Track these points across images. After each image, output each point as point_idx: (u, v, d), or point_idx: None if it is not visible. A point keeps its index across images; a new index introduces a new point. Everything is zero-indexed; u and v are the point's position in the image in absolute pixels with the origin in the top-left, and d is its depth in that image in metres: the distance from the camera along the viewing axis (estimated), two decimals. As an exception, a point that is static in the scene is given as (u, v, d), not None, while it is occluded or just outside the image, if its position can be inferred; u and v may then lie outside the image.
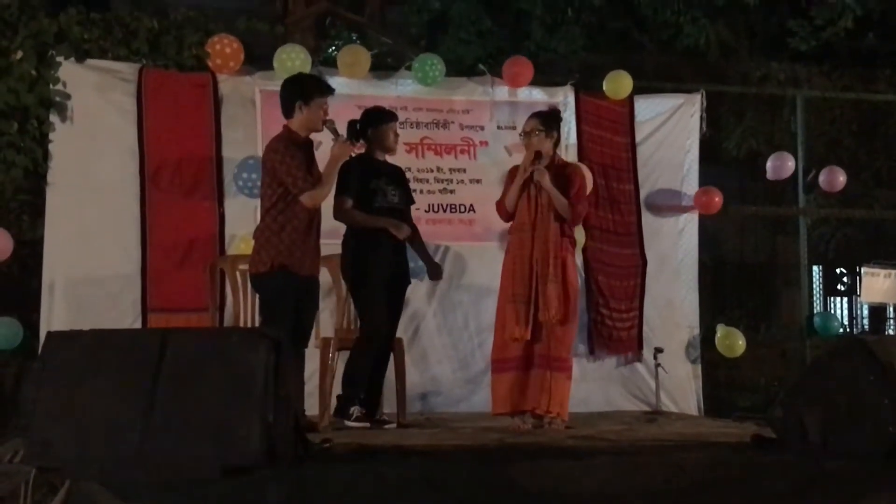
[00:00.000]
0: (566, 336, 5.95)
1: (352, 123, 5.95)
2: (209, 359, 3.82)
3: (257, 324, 6.09)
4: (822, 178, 8.38)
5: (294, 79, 5.90)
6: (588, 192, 7.29)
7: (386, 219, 5.99)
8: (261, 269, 5.54)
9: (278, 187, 5.50)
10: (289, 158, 5.48)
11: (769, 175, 8.30)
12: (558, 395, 5.90)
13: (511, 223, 6.11)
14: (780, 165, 8.24)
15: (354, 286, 6.04)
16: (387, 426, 5.93)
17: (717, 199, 7.88)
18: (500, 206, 6.16)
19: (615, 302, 7.65)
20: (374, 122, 6.07)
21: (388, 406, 6.48)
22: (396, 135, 6.23)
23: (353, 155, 5.99)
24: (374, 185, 6.00)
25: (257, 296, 6.03)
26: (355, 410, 5.87)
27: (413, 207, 6.42)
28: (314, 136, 5.78)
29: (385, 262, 5.98)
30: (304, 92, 5.62)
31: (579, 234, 7.21)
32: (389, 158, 6.26)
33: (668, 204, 7.93)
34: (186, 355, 3.83)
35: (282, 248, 5.49)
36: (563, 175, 6.03)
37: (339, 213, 5.95)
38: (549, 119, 6.13)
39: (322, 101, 5.64)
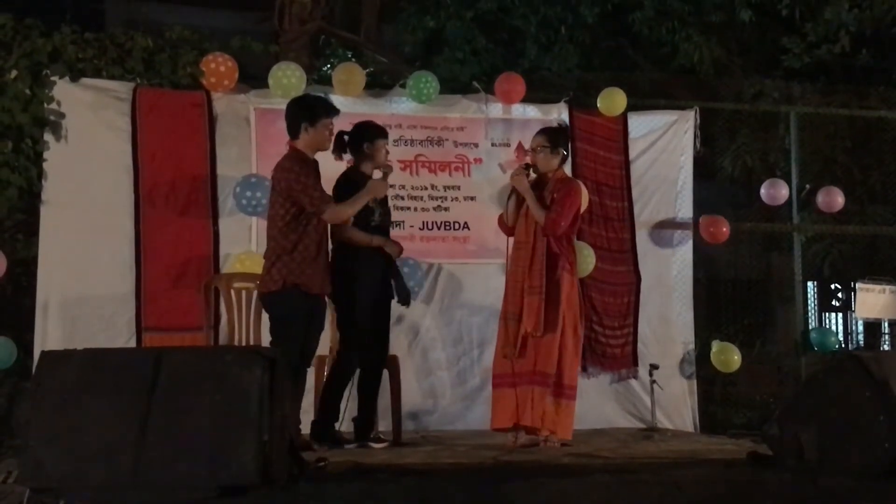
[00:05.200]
0: (547, 349, 5.88)
1: (339, 135, 5.95)
2: (204, 378, 3.82)
3: (252, 342, 6.09)
4: (819, 199, 8.42)
5: (300, 100, 5.93)
6: (583, 210, 7.34)
7: (383, 238, 5.99)
8: (272, 287, 5.54)
9: (291, 207, 5.51)
10: (304, 178, 5.50)
11: (765, 200, 8.35)
12: (539, 411, 5.87)
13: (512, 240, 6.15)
14: (775, 193, 8.29)
15: (340, 306, 5.96)
16: (380, 444, 5.91)
17: (725, 230, 7.90)
18: (500, 220, 6.24)
19: (609, 319, 7.64)
20: (370, 137, 6.04)
21: (384, 424, 6.47)
22: (387, 151, 6.23)
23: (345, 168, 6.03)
24: (371, 203, 5.99)
25: (256, 315, 6.06)
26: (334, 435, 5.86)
27: (407, 225, 6.43)
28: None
29: (374, 282, 5.94)
30: (310, 113, 5.66)
31: (588, 258, 7.23)
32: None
33: (662, 221, 7.94)
34: (181, 375, 3.83)
35: (293, 266, 5.50)
36: (557, 189, 6.05)
37: (338, 231, 5.92)
38: (555, 136, 6.16)
39: (328, 122, 5.69)
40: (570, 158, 7.61)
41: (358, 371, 5.99)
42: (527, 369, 5.92)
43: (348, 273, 5.86)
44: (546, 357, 5.89)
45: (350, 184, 5.85)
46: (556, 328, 5.90)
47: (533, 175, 6.16)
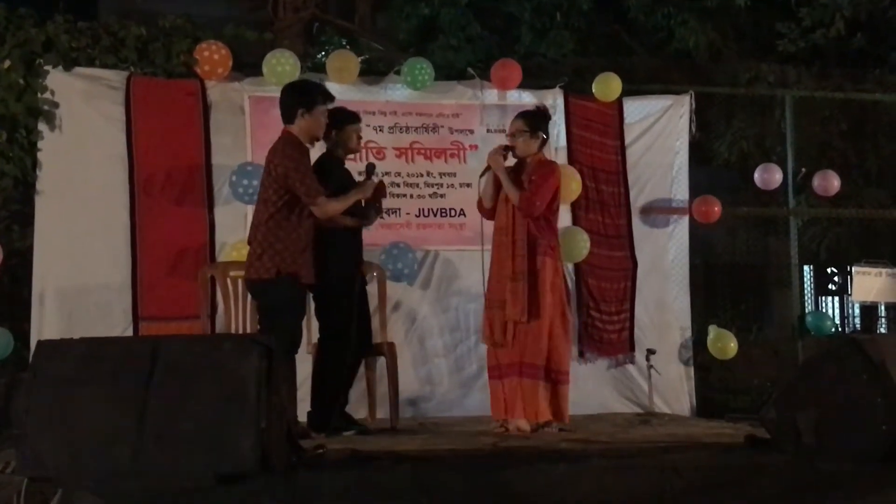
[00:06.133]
0: (535, 339, 5.84)
1: None
2: (201, 366, 3.81)
3: (249, 331, 6.07)
4: (815, 183, 8.42)
5: (297, 85, 5.88)
6: (575, 197, 7.35)
7: (356, 191, 5.90)
8: (264, 275, 5.47)
9: (285, 193, 5.46)
10: (303, 167, 5.46)
11: (759, 185, 8.35)
12: (532, 402, 5.84)
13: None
14: (769, 178, 8.29)
15: (320, 294, 5.91)
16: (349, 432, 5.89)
17: (717, 209, 7.90)
18: (479, 203, 6.22)
19: (605, 304, 7.65)
20: (339, 124, 5.98)
21: (382, 411, 6.48)
22: (359, 137, 6.19)
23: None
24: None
25: (251, 302, 6.00)
26: (343, 420, 5.86)
27: (403, 212, 6.40)
28: None
29: (350, 269, 5.93)
30: (307, 99, 5.61)
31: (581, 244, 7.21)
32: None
33: (658, 206, 7.94)
34: (178, 363, 3.82)
35: (286, 254, 5.45)
36: (535, 171, 6.00)
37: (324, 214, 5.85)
38: (534, 120, 6.09)
39: (324, 110, 5.65)
40: (565, 144, 7.66)
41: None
42: (514, 360, 5.88)
43: (324, 261, 5.77)
44: (534, 347, 5.85)
45: (325, 170, 5.80)
46: (541, 314, 5.85)
47: (513, 160, 6.11)
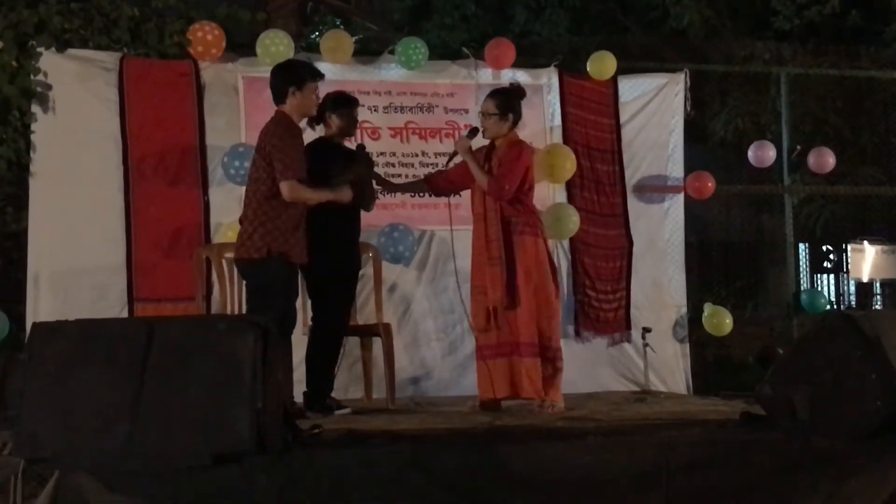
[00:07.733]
0: (525, 318, 5.82)
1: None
2: (196, 347, 3.81)
3: (244, 311, 6.06)
4: (810, 160, 8.42)
5: (285, 65, 5.89)
6: (571, 175, 7.34)
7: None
8: (254, 254, 5.45)
9: (274, 171, 5.45)
10: (288, 145, 5.43)
11: (753, 162, 8.34)
12: (537, 381, 5.82)
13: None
14: (763, 155, 8.29)
15: (315, 275, 5.89)
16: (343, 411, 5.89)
17: (710, 185, 7.90)
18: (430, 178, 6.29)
19: (601, 283, 7.65)
20: (337, 107, 5.98)
21: (378, 391, 6.49)
22: (357, 119, 6.16)
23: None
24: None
25: (244, 283, 6.00)
26: (332, 402, 5.86)
27: (399, 192, 6.41)
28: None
29: (345, 250, 5.94)
30: (297, 77, 5.60)
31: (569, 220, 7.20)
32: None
33: (653, 184, 7.93)
34: (173, 344, 3.82)
35: (277, 234, 5.43)
36: (505, 153, 5.97)
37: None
38: (505, 101, 6.02)
39: (314, 86, 5.64)
40: (560, 123, 7.65)
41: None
42: (504, 340, 5.87)
43: (319, 242, 5.74)
44: (526, 326, 5.83)
45: (319, 154, 5.79)
46: (524, 294, 5.84)
47: (484, 140, 6.08)
